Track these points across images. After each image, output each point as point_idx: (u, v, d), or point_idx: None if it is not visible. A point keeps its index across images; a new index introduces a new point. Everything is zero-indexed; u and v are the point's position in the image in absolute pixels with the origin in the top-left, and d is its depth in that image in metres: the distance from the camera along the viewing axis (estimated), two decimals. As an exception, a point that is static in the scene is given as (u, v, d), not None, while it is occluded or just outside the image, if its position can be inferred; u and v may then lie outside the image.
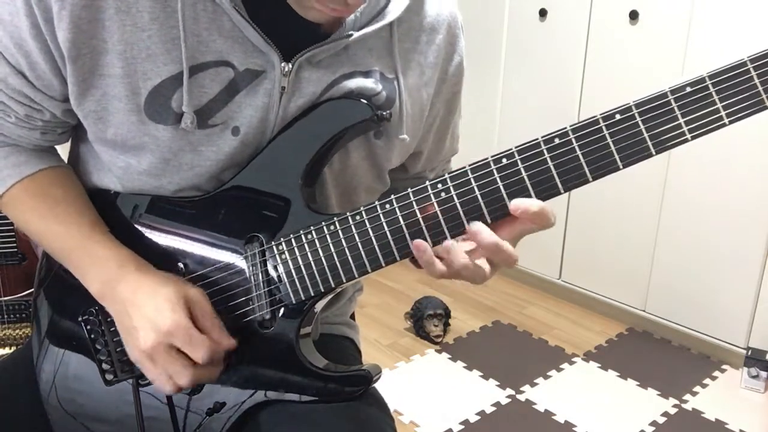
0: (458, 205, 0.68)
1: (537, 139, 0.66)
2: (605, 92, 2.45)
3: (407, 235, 0.70)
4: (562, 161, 0.66)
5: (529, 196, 0.67)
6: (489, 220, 0.68)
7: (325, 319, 0.93)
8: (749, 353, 2.19)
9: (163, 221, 0.78)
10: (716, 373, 2.28)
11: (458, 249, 0.68)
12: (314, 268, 0.73)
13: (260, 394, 0.77)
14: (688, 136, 0.63)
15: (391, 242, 0.71)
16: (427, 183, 0.69)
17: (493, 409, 2.05)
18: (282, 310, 0.75)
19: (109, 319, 0.78)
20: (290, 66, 0.73)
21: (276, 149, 0.75)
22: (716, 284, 2.29)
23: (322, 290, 0.74)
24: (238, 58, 0.72)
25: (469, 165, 0.69)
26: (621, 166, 0.65)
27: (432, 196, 0.69)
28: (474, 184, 0.68)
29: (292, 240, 0.74)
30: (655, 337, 2.51)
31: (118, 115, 0.72)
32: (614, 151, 0.65)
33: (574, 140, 0.65)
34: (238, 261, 0.76)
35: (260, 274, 0.75)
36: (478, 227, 0.67)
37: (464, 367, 2.28)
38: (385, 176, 0.85)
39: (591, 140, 0.65)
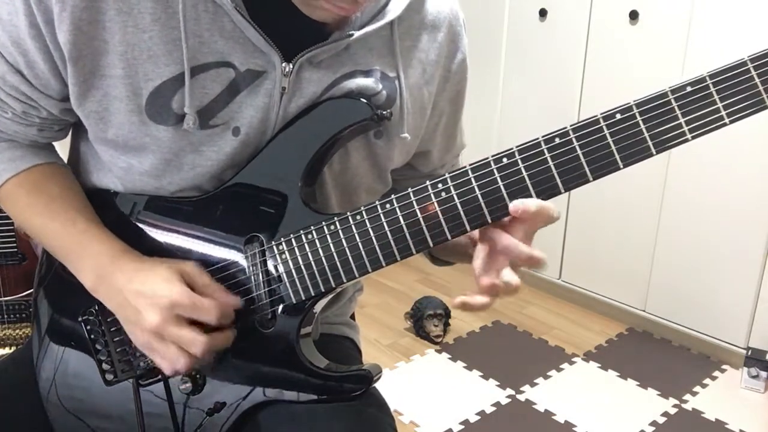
0: (458, 204, 0.68)
1: (537, 138, 0.66)
2: (605, 92, 2.45)
3: (407, 235, 0.70)
4: (562, 161, 0.66)
5: (530, 195, 0.67)
6: (489, 220, 0.68)
7: (326, 319, 0.93)
8: (749, 353, 2.19)
9: (163, 221, 0.78)
10: (716, 373, 2.28)
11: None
12: (314, 267, 0.73)
13: (260, 394, 0.77)
14: (689, 135, 0.63)
15: (392, 242, 0.71)
16: (428, 183, 0.69)
17: (493, 409, 2.05)
18: (282, 310, 0.75)
19: (109, 319, 0.78)
20: (291, 66, 0.73)
21: (276, 149, 0.75)
22: (716, 284, 2.29)
23: (323, 290, 0.74)
24: (239, 59, 0.72)
25: (470, 165, 0.69)
26: (621, 166, 0.65)
27: (432, 195, 0.69)
28: (474, 183, 0.68)
29: (293, 240, 0.74)
30: (655, 337, 2.51)
31: (119, 115, 0.72)
32: (615, 151, 0.65)
33: (574, 140, 0.65)
34: (239, 261, 0.76)
35: (260, 274, 0.75)
36: (518, 202, 0.66)
37: (464, 367, 2.28)
38: (386, 177, 0.85)
39: (591, 140, 0.65)
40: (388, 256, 0.71)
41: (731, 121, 0.62)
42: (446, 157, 0.93)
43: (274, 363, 0.77)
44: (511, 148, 0.67)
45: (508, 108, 2.78)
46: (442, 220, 0.69)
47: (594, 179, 0.66)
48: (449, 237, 0.69)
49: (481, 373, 2.23)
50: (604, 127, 0.65)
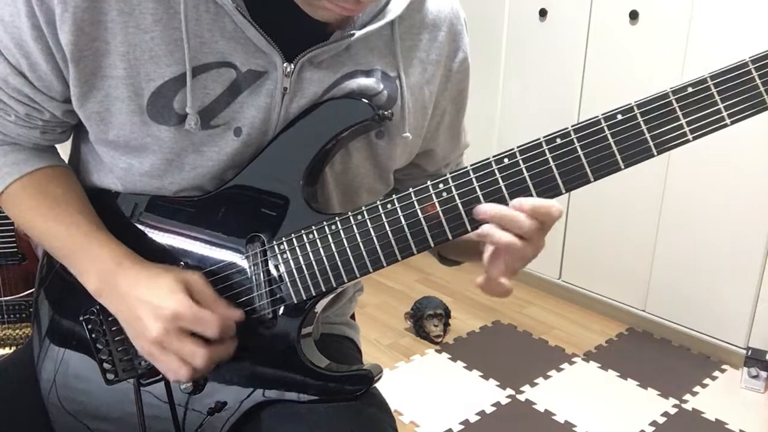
0: (460, 204, 0.69)
1: (539, 139, 0.67)
2: (605, 92, 2.45)
3: (408, 235, 0.70)
4: (563, 161, 0.66)
5: (531, 195, 0.67)
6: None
7: (326, 319, 0.93)
8: (749, 353, 2.19)
9: (164, 221, 0.78)
10: (716, 373, 2.28)
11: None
12: (315, 267, 0.73)
13: (261, 394, 0.77)
14: (690, 136, 0.63)
15: (393, 242, 0.71)
16: (429, 183, 0.70)
17: (493, 409, 2.05)
18: (283, 310, 0.75)
19: (110, 319, 0.78)
20: (292, 66, 0.73)
21: (277, 149, 0.75)
22: (716, 284, 2.29)
23: (324, 290, 0.74)
24: (240, 59, 0.72)
25: (471, 165, 0.69)
26: (623, 167, 0.65)
27: (433, 195, 0.69)
28: (476, 183, 0.68)
29: (294, 239, 0.74)
30: (655, 337, 2.51)
31: (121, 116, 0.72)
32: (616, 152, 0.65)
33: (575, 140, 0.65)
34: (240, 260, 0.76)
35: (261, 274, 0.75)
36: (519, 199, 0.66)
37: (464, 367, 2.28)
38: (388, 177, 0.85)
39: (593, 140, 0.65)
40: (389, 256, 0.71)
41: (732, 122, 0.63)
42: (451, 156, 0.93)
43: (275, 363, 0.77)
44: (513, 149, 0.67)
45: (508, 108, 2.79)
46: (443, 220, 0.69)
47: (595, 180, 0.66)
48: (450, 237, 0.70)
49: (481, 373, 2.23)
50: (606, 128, 0.65)
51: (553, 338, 2.49)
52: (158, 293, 0.71)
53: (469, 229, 0.69)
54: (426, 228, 0.70)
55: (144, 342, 0.72)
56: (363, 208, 0.72)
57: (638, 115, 0.64)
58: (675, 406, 2.09)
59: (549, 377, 2.23)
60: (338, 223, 0.72)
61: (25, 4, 0.68)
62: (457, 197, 0.69)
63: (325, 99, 0.76)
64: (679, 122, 0.63)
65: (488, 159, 0.68)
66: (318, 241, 0.73)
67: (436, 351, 2.37)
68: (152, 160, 0.75)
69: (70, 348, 0.83)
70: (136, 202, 0.79)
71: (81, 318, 0.79)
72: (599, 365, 2.31)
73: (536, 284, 2.85)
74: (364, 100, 0.75)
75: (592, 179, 0.66)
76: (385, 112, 0.76)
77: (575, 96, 2.54)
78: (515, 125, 2.77)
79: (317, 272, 0.73)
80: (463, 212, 0.69)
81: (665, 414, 2.05)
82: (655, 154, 0.64)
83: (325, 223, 0.73)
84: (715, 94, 0.62)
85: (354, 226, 0.72)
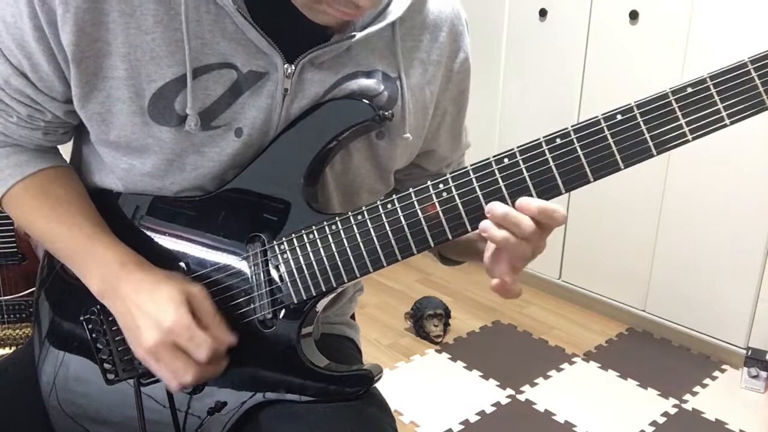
0: (460, 204, 0.69)
1: (539, 139, 0.67)
2: (605, 92, 2.45)
3: (409, 235, 0.70)
4: (563, 161, 0.66)
5: (531, 196, 0.67)
6: (490, 220, 0.68)
7: (326, 319, 0.93)
8: (749, 353, 2.19)
9: (164, 221, 0.78)
10: (716, 373, 2.28)
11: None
12: (316, 267, 0.73)
13: (261, 394, 0.77)
14: (690, 136, 0.63)
15: (393, 242, 0.71)
16: (429, 183, 0.70)
17: (493, 409, 2.05)
18: (283, 310, 0.75)
19: (110, 319, 0.78)
20: (293, 67, 0.73)
21: (277, 149, 0.76)
22: (716, 284, 2.30)
23: (324, 290, 0.74)
24: (241, 60, 0.72)
25: (471, 165, 0.69)
26: (622, 167, 0.65)
27: (434, 195, 0.69)
28: (476, 184, 0.68)
29: (294, 239, 0.74)
30: (655, 337, 2.51)
31: (122, 116, 0.72)
32: (615, 152, 0.65)
33: (575, 140, 0.65)
34: (240, 260, 0.76)
35: (262, 274, 0.75)
36: (523, 200, 0.66)
37: (464, 367, 2.28)
38: (388, 177, 0.85)
39: (592, 140, 0.65)
40: (390, 256, 0.71)
41: (732, 122, 0.63)
42: (452, 156, 0.93)
43: (275, 363, 0.77)
44: (512, 149, 0.67)
45: (508, 108, 2.79)
46: (443, 220, 0.69)
47: (595, 180, 0.66)
48: (450, 237, 0.70)
49: (481, 373, 2.23)
50: (605, 128, 0.65)
51: (553, 338, 2.49)
52: (159, 303, 0.71)
53: (469, 229, 0.69)
54: (426, 228, 0.70)
55: (139, 348, 0.73)
56: (363, 208, 0.72)
57: (638, 116, 0.64)
58: (675, 406, 2.09)
59: (549, 377, 2.23)
60: (338, 223, 0.73)
61: (27, 5, 0.68)
62: (457, 197, 0.69)
63: (325, 100, 0.76)
64: (679, 122, 0.63)
65: (488, 159, 0.68)
66: (318, 241, 0.73)
67: (436, 351, 2.37)
68: (153, 161, 0.75)
69: (71, 349, 0.83)
70: (137, 203, 0.79)
71: (81, 318, 0.79)
72: (599, 365, 2.31)
73: (536, 284, 2.85)
74: (364, 100, 0.75)
75: (591, 179, 0.66)
76: (386, 113, 0.76)
77: (575, 96, 2.54)
78: (515, 125, 2.77)
79: (317, 272, 0.73)
80: (463, 212, 0.69)
81: (665, 414, 2.05)
82: (655, 154, 0.64)
83: (325, 223, 0.73)
84: (715, 94, 0.62)
85: (354, 226, 0.72)
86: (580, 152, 0.65)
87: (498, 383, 2.18)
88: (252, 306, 0.76)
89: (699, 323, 2.38)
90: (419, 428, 1.96)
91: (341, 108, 0.75)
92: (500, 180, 0.67)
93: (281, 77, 0.73)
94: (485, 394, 2.12)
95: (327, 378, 0.76)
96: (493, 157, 0.68)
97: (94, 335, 0.79)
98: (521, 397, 2.11)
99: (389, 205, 0.71)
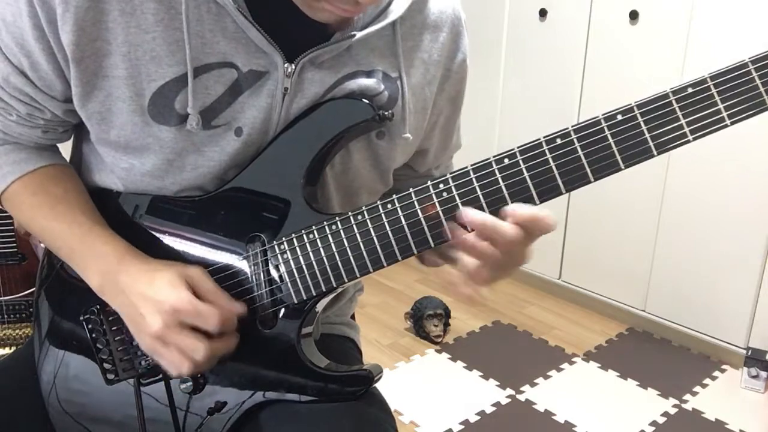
0: (460, 205, 0.69)
1: (539, 139, 0.67)
2: (605, 92, 2.45)
3: (409, 235, 0.70)
4: (564, 161, 0.66)
5: (531, 196, 0.67)
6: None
7: (326, 319, 0.93)
8: (749, 353, 2.19)
9: (165, 221, 0.78)
10: (716, 373, 2.28)
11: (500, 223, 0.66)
12: (316, 267, 0.73)
13: (261, 394, 0.77)
14: (690, 137, 0.63)
15: (393, 242, 0.71)
16: (429, 183, 0.70)
17: (493, 409, 2.05)
18: (283, 310, 0.75)
19: (110, 318, 0.78)
20: (293, 67, 0.73)
21: (277, 149, 0.76)
22: (716, 284, 2.30)
23: (324, 290, 0.74)
24: (241, 60, 0.72)
25: (471, 165, 0.69)
26: (623, 167, 0.65)
27: (434, 195, 0.69)
28: (476, 184, 0.68)
29: (294, 239, 0.74)
30: (655, 337, 2.51)
31: (122, 116, 0.72)
32: (616, 152, 0.65)
33: (576, 140, 0.65)
34: (240, 260, 0.76)
35: (262, 274, 0.75)
36: (514, 206, 0.66)
37: (464, 367, 2.28)
38: (388, 177, 0.85)
39: (593, 140, 0.65)
40: (390, 256, 0.71)
41: (732, 123, 0.63)
42: (442, 157, 0.93)
43: (275, 363, 0.77)
44: (513, 149, 0.67)
45: (508, 108, 2.79)
46: (444, 221, 0.69)
47: (595, 180, 0.66)
48: (450, 237, 0.69)
49: (481, 373, 2.23)
50: (606, 128, 0.65)
51: (553, 338, 2.49)
52: (158, 288, 0.71)
53: (469, 229, 0.69)
54: (426, 228, 0.70)
55: (146, 337, 0.72)
56: (363, 208, 0.72)
57: (638, 116, 0.64)
58: (675, 406, 2.09)
59: (549, 377, 2.23)
60: (338, 223, 0.72)
61: (27, 4, 0.68)
62: (457, 197, 0.69)
63: (325, 99, 0.76)
64: (679, 122, 0.63)
65: (488, 159, 0.68)
66: (318, 240, 0.73)
67: (436, 351, 2.37)
68: (153, 161, 0.75)
69: (71, 349, 0.83)
70: (137, 202, 0.79)
71: (81, 318, 0.79)
72: (599, 365, 2.31)
73: (536, 284, 2.85)
74: (364, 100, 0.75)
75: (592, 179, 0.66)
76: (386, 113, 0.76)
77: (575, 96, 2.54)
78: (515, 125, 2.77)
79: (317, 272, 0.73)
80: (463, 212, 0.69)
81: (665, 414, 2.05)
82: (655, 154, 0.64)
83: (325, 223, 0.73)
84: (715, 94, 0.62)
85: (354, 226, 0.72)
86: (580, 152, 0.65)
87: (498, 383, 2.18)
88: (252, 306, 0.76)
89: (699, 323, 2.38)
90: (419, 428, 1.96)
91: (341, 107, 0.75)
92: (500, 180, 0.67)
93: (281, 76, 0.73)
94: (485, 394, 2.12)
95: (327, 378, 0.76)
96: (494, 157, 0.68)
97: (93, 335, 0.79)
98: (521, 397, 2.11)
99: (389, 205, 0.71)
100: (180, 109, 0.72)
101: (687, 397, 2.14)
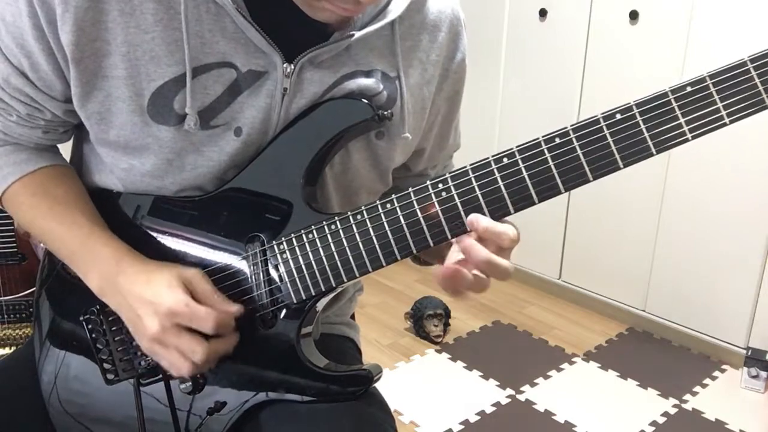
0: (459, 204, 0.69)
1: (538, 138, 0.67)
2: (605, 92, 2.45)
3: (408, 235, 0.70)
4: (562, 161, 0.66)
5: (530, 195, 0.67)
6: (490, 220, 0.68)
7: (326, 319, 0.93)
8: (749, 353, 2.19)
9: (164, 221, 0.78)
10: (716, 373, 2.28)
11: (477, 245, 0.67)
12: (315, 267, 0.73)
13: (261, 394, 0.77)
14: (689, 135, 0.63)
15: (392, 241, 0.71)
16: (428, 183, 0.70)
17: (493, 409, 2.05)
18: (283, 310, 0.75)
19: (110, 319, 0.78)
20: (292, 67, 0.73)
21: (277, 149, 0.76)
22: (716, 284, 2.29)
23: (323, 289, 0.74)
24: (240, 59, 0.72)
25: (470, 164, 0.69)
26: (622, 166, 0.65)
27: (433, 195, 0.69)
28: (475, 183, 0.68)
29: (293, 239, 0.74)
30: (655, 337, 2.51)
31: (121, 116, 0.72)
32: (615, 151, 0.65)
33: (574, 140, 0.65)
34: (239, 260, 0.76)
35: (261, 274, 0.75)
36: (476, 216, 0.67)
37: (464, 367, 2.28)
38: (387, 177, 0.85)
39: (592, 140, 0.65)
40: (389, 256, 0.71)
41: (731, 121, 0.63)
42: (438, 157, 0.93)
43: (275, 362, 0.77)
44: (512, 148, 0.67)
45: (508, 108, 2.79)
46: (443, 220, 0.69)
47: (594, 179, 0.66)
48: (449, 237, 0.70)
49: (481, 373, 2.23)
50: (605, 127, 0.65)
51: (553, 338, 2.49)
52: (155, 290, 0.71)
53: (468, 229, 0.69)
54: (425, 228, 0.70)
55: (144, 339, 0.72)
56: (362, 207, 0.72)
57: (637, 115, 0.64)
58: (675, 406, 2.09)
59: (549, 377, 2.23)
60: (338, 222, 0.72)
61: (27, 4, 0.68)
62: (456, 197, 0.69)
63: (324, 99, 0.76)
64: (678, 122, 0.63)
65: (487, 159, 0.68)
66: (317, 240, 0.73)
67: (436, 351, 2.37)
68: (153, 161, 0.75)
69: (71, 349, 0.83)
70: (137, 203, 0.79)
71: (81, 318, 0.79)
72: (599, 365, 2.31)
73: (536, 284, 2.85)
74: (363, 100, 0.75)
75: (591, 179, 0.66)
76: (385, 112, 0.76)
77: (575, 96, 2.54)
78: (515, 125, 2.77)
79: (317, 272, 0.73)
80: (462, 212, 0.69)
81: (665, 414, 2.05)
82: (654, 153, 0.64)
83: (324, 222, 0.73)
84: (714, 93, 0.62)
85: (353, 226, 0.72)
86: (579, 152, 0.65)
87: (498, 383, 2.18)
88: (251, 306, 0.76)
89: (699, 323, 2.38)
90: (419, 428, 1.96)
91: (340, 107, 0.75)
92: (499, 180, 0.67)
93: (280, 76, 0.73)
94: (485, 394, 2.12)
95: (327, 378, 0.76)
96: (493, 156, 0.68)
97: (93, 335, 0.79)
98: (521, 397, 2.11)
99: (388, 205, 0.71)
100: (179, 109, 0.72)
101: (687, 397, 2.14)
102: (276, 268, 0.75)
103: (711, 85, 0.62)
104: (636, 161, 0.65)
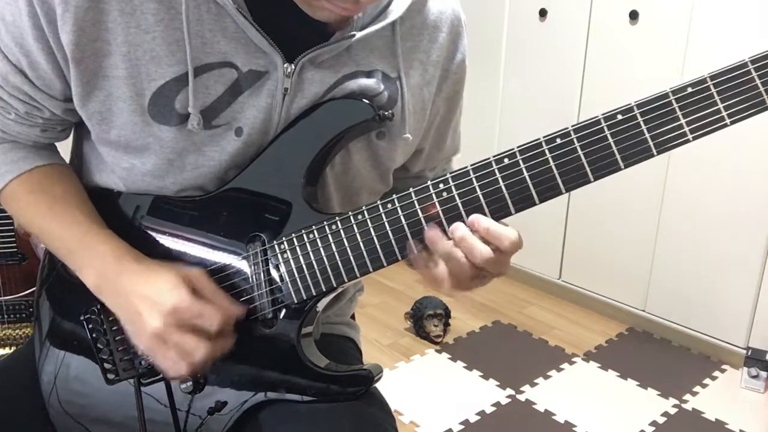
0: (460, 204, 0.69)
1: (539, 139, 0.67)
2: (605, 92, 2.45)
3: (409, 235, 0.70)
4: (563, 161, 0.66)
5: (531, 195, 0.67)
6: (490, 220, 0.68)
7: (326, 319, 0.93)
8: (749, 353, 2.19)
9: (165, 221, 0.78)
10: (716, 373, 2.28)
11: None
12: (316, 267, 0.73)
13: (261, 394, 0.77)
14: (690, 136, 0.63)
15: (393, 241, 0.71)
16: (429, 183, 0.70)
17: (493, 409, 2.05)
18: (283, 310, 0.75)
19: (111, 318, 0.78)
20: (293, 67, 0.73)
21: (278, 149, 0.76)
22: (716, 284, 2.30)
23: (324, 289, 0.74)
24: (241, 60, 0.72)
25: (471, 165, 0.69)
26: (622, 167, 0.65)
27: (434, 195, 0.69)
28: (476, 183, 0.68)
29: (294, 239, 0.74)
30: (655, 337, 2.51)
31: (122, 116, 0.72)
32: (616, 152, 0.65)
33: (575, 140, 0.65)
34: (240, 260, 0.76)
35: (262, 274, 0.75)
36: (477, 216, 0.68)
37: (464, 367, 2.28)
38: (388, 178, 0.85)
39: (593, 140, 0.65)
40: (390, 256, 0.71)
41: (732, 122, 0.63)
42: (436, 158, 0.93)
43: (275, 362, 0.77)
44: (513, 149, 0.67)
45: (508, 108, 2.79)
46: (444, 220, 0.69)
47: (595, 180, 0.66)
48: (450, 237, 0.70)
49: (481, 373, 2.23)
50: (605, 128, 0.65)
51: (553, 338, 2.49)
52: (158, 288, 0.71)
53: (470, 229, 0.69)
54: (426, 228, 0.70)
55: (144, 337, 0.72)
56: (363, 207, 0.72)
57: (638, 115, 0.64)
58: (675, 406, 2.09)
59: (549, 377, 2.23)
60: (338, 222, 0.73)
61: (27, 4, 0.68)
62: (457, 197, 0.69)
63: (325, 99, 0.76)
64: (679, 122, 0.63)
65: (488, 159, 0.68)
66: (318, 240, 0.73)
67: (436, 351, 2.37)
68: (154, 160, 0.75)
69: (71, 349, 0.83)
70: (137, 202, 0.79)
71: (82, 318, 0.79)
72: (599, 365, 2.32)
73: (536, 284, 2.86)
74: (364, 100, 0.75)
75: (592, 179, 0.66)
76: (386, 113, 0.76)
77: (575, 96, 2.54)
78: (515, 125, 2.77)
79: (317, 272, 0.73)
80: (463, 212, 0.69)
81: (665, 414, 2.05)
82: (655, 154, 0.64)
83: (325, 222, 0.73)
84: (715, 94, 0.62)
85: (354, 226, 0.72)
86: (580, 152, 0.65)
87: (498, 383, 2.18)
88: (252, 306, 0.76)
89: (699, 323, 2.38)
90: (419, 428, 1.96)
91: (341, 107, 0.75)
92: (500, 180, 0.67)
93: (281, 76, 0.73)
94: (485, 394, 2.12)
95: (327, 378, 0.76)
96: (493, 157, 0.68)
97: (94, 335, 0.79)
98: (521, 397, 2.11)
99: (389, 205, 0.71)
100: (180, 108, 0.72)
101: (687, 397, 2.14)
102: (277, 267, 0.75)
103: (712, 86, 0.62)
104: (637, 162, 0.65)
